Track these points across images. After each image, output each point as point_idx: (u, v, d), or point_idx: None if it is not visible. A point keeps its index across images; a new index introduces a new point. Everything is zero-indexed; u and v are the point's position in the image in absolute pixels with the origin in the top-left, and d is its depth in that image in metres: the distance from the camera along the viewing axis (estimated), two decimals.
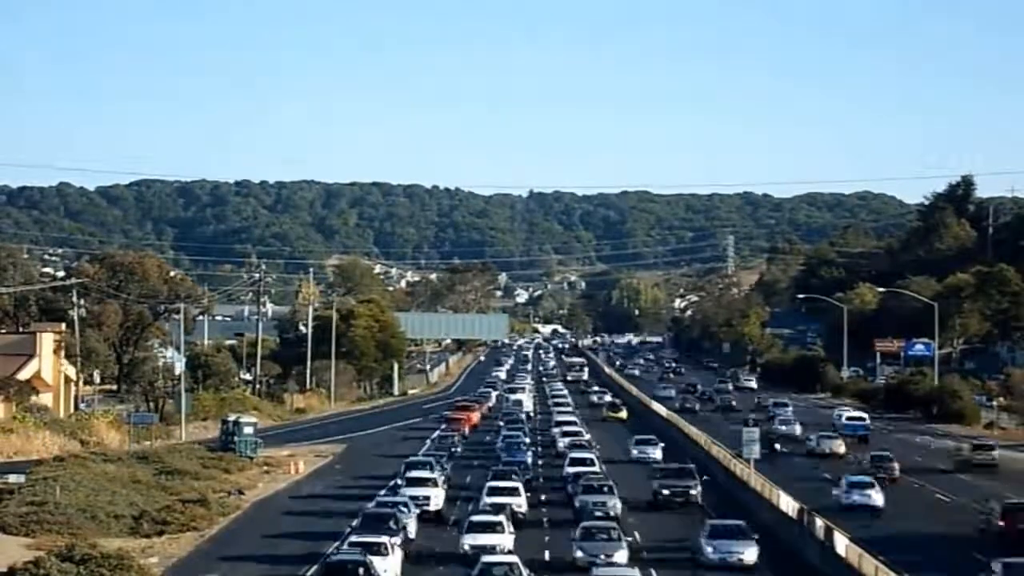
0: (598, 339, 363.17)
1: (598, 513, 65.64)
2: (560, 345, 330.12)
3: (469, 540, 57.09)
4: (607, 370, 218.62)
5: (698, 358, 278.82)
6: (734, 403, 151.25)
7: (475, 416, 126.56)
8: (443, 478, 75.98)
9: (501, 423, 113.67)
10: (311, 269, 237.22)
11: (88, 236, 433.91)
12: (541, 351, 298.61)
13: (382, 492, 73.17)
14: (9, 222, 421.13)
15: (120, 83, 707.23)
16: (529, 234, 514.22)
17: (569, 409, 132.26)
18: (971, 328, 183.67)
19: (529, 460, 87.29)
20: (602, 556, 54.49)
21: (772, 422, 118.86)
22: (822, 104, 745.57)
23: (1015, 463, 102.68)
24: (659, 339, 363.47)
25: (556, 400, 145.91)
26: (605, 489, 70.22)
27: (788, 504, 63.91)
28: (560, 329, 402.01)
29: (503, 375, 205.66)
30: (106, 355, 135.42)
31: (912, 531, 67.21)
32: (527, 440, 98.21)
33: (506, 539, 57.55)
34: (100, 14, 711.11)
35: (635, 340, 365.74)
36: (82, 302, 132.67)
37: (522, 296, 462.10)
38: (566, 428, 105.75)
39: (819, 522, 56.63)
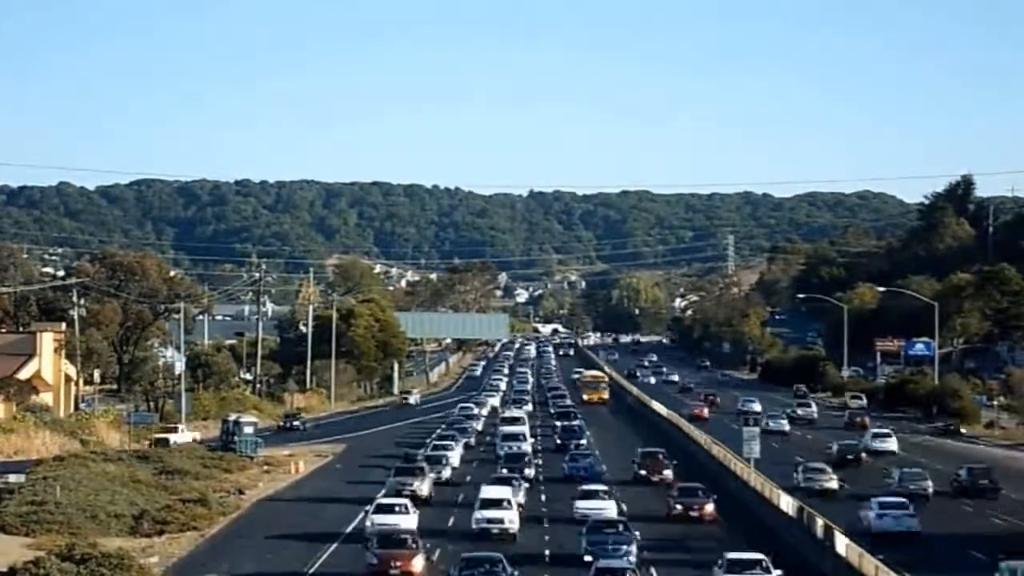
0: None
1: None
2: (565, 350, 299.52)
3: None
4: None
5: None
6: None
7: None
8: None
9: None
10: (311, 269, 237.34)
11: (88, 236, 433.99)
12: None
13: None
14: (9, 222, 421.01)
15: (120, 83, 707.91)
16: (529, 234, 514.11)
17: None
18: (971, 327, 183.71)
19: None
20: None
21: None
22: (822, 104, 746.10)
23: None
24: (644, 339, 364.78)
25: None
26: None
27: (788, 503, 63.96)
28: (560, 328, 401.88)
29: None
30: (107, 355, 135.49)
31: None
32: None
33: None
34: (100, 14, 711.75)
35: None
36: (82, 302, 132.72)
37: (522, 296, 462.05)
38: None
39: (819, 521, 56.64)
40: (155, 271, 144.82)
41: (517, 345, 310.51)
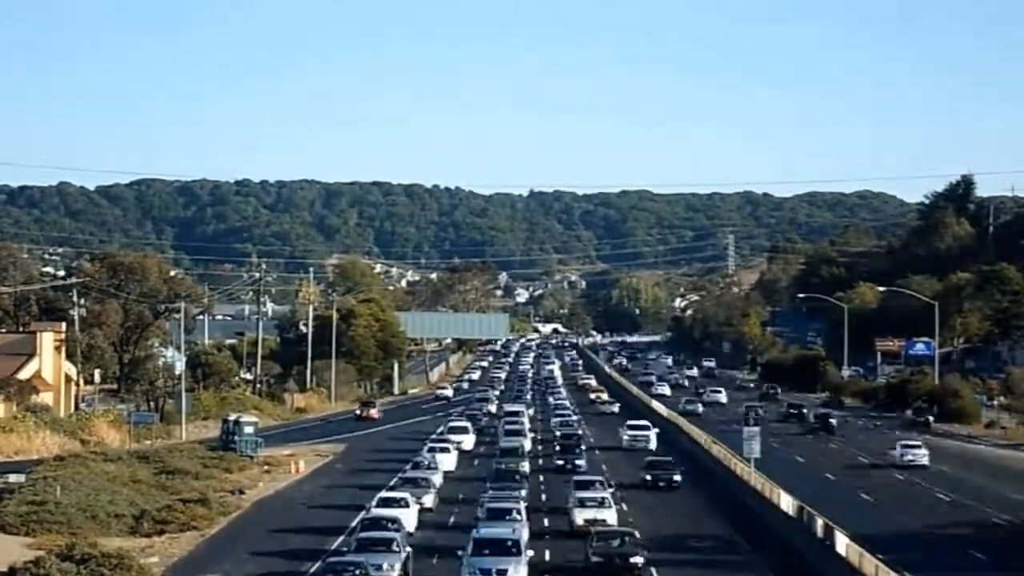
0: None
1: None
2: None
3: None
4: None
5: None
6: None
7: None
8: None
9: None
10: (311, 268, 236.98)
11: (88, 236, 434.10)
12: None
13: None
14: (9, 222, 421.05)
15: (121, 83, 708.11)
16: (529, 234, 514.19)
17: None
18: (972, 327, 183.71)
19: None
20: None
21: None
22: (822, 104, 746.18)
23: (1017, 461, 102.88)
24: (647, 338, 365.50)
25: None
26: None
27: (788, 503, 63.94)
28: (560, 328, 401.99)
29: None
30: (108, 355, 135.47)
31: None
32: None
33: None
34: (100, 14, 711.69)
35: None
36: (82, 301, 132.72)
37: (522, 295, 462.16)
38: None
39: (819, 521, 56.62)
40: (155, 271, 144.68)
41: (508, 363, 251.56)
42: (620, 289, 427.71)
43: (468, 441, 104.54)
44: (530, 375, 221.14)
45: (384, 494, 67.56)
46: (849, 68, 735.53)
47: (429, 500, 70.60)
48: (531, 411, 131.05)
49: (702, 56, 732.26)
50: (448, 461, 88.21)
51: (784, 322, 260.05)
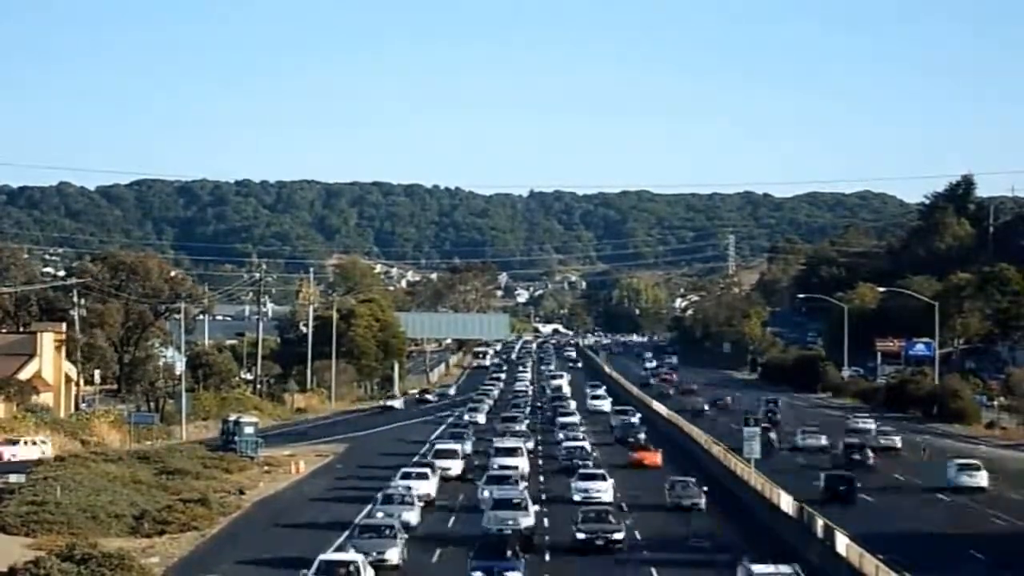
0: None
1: None
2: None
3: None
4: None
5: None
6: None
7: None
8: None
9: None
10: (311, 269, 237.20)
11: (88, 236, 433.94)
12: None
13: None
14: (10, 222, 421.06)
15: (121, 83, 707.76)
16: (529, 234, 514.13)
17: None
18: (972, 328, 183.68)
19: None
20: None
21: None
22: (822, 104, 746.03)
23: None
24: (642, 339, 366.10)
25: None
26: None
27: (787, 503, 63.95)
28: (561, 329, 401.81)
29: None
30: (108, 355, 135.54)
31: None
32: None
33: None
34: (100, 14, 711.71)
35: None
36: (83, 302, 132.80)
37: (523, 296, 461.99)
38: None
39: (820, 521, 56.63)
40: (156, 271, 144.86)
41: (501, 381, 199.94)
42: (620, 289, 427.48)
43: (456, 466, 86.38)
44: (530, 391, 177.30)
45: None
46: (849, 68, 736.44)
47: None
48: (530, 444, 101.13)
49: (702, 56, 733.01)
50: (428, 488, 73.45)
51: (784, 322, 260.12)
